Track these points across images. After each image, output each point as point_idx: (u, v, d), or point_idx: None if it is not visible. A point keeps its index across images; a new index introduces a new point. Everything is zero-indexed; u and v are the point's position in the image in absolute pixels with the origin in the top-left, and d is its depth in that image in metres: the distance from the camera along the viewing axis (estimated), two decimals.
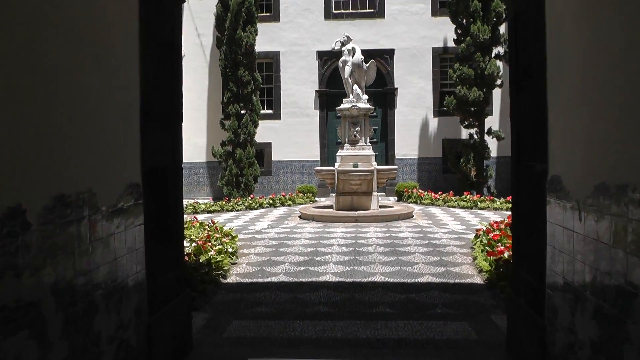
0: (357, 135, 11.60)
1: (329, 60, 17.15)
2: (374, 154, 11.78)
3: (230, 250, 7.58)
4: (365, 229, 9.99)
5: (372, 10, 17.46)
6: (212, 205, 13.97)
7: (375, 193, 11.46)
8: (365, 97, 11.91)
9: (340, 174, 11.17)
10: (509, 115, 4.15)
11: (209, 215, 13.10)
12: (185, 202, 16.11)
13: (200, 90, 17.83)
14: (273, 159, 17.62)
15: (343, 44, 12.17)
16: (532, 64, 3.56)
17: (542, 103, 3.32)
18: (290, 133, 17.50)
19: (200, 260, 6.61)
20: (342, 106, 11.82)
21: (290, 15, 17.60)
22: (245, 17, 15.96)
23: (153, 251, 3.53)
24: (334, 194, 11.62)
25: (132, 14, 3.35)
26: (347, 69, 11.92)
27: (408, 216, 11.22)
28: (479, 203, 13.29)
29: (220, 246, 7.54)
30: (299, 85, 17.56)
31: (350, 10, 17.59)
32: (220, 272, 6.61)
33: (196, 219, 10.30)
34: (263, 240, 9.09)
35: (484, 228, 8.44)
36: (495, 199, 13.53)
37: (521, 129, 3.88)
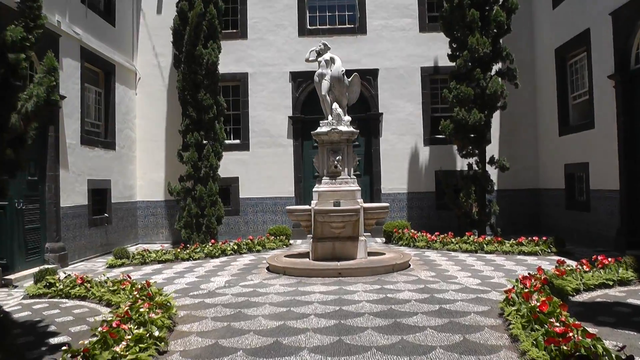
0: (339, 165, 9.31)
1: (304, 82, 15.03)
2: (359, 189, 9.50)
3: (157, 334, 5.17)
4: (351, 286, 7.64)
5: (353, 26, 15.44)
6: (165, 254, 11.50)
7: (362, 238, 9.15)
8: (348, 118, 9.67)
9: (318, 215, 8.85)
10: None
11: (158, 266, 10.66)
12: (134, 249, 13.70)
13: (158, 118, 15.57)
14: (241, 196, 15.29)
15: (319, 53, 9.98)
16: None
17: None
18: (261, 166, 15.23)
19: None
20: (319, 129, 9.56)
21: (260, 31, 15.51)
22: (206, 31, 13.80)
23: None
24: (311, 239, 9.27)
25: None
26: (325, 84, 9.69)
27: (404, 266, 8.91)
28: (485, 246, 11.05)
29: (142, 329, 5.14)
30: (270, 111, 15.36)
31: (328, 26, 15.56)
32: None
33: (129, 277, 7.85)
34: (214, 309, 6.69)
35: (514, 288, 6.17)
36: (504, 240, 11.31)
37: None
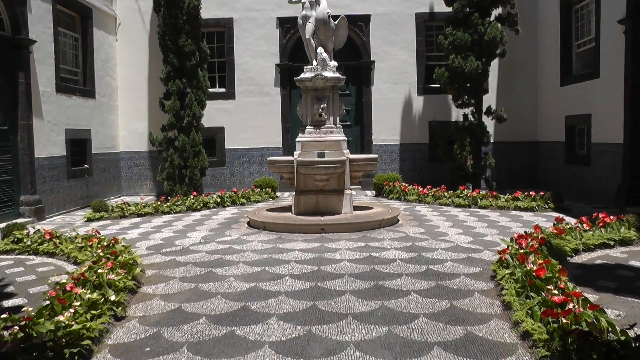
0: (323, 114, 8.66)
1: (292, 28, 14.20)
2: (345, 139, 8.88)
3: (113, 298, 4.67)
4: (334, 244, 7.15)
5: None
6: (145, 207, 10.99)
7: (348, 191, 8.60)
8: (334, 63, 8.95)
9: (300, 167, 8.28)
10: None
11: (137, 220, 10.17)
12: (117, 201, 13.19)
13: (140, 66, 14.80)
14: (227, 146, 14.68)
15: None
16: None
17: None
18: (247, 115, 14.56)
19: (34, 335, 3.71)
20: (302, 75, 8.85)
21: None
22: None
23: None
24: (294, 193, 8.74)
25: None
26: (309, 27, 8.92)
27: (392, 221, 8.41)
28: (479, 200, 10.54)
29: (97, 293, 4.64)
30: (256, 58, 14.59)
31: None
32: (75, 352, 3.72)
33: (98, 233, 7.34)
34: (184, 268, 6.20)
35: (509, 249, 5.67)
36: (499, 194, 10.81)
37: None
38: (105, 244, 6.50)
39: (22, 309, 4.50)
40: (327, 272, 5.74)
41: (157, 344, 3.95)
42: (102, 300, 4.54)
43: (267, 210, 9.27)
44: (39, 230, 7.95)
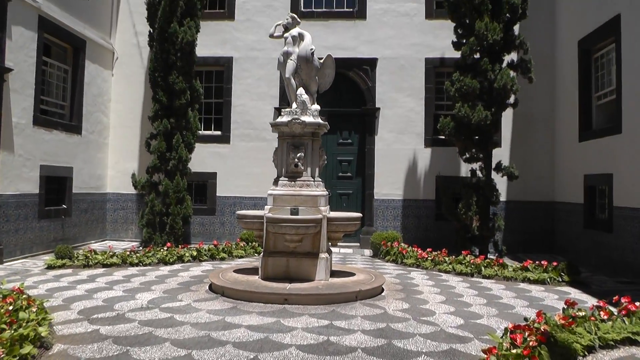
0: (300, 164, 7.56)
1: None
2: (325, 194, 7.73)
3: None
4: (292, 320, 5.92)
5: (351, 10, 13.71)
6: (112, 257, 9.94)
7: (323, 255, 7.39)
8: (316, 107, 7.87)
9: (269, 225, 7.16)
10: None
11: (99, 271, 9.14)
12: (95, 245, 12.19)
13: (134, 103, 14.08)
14: (218, 193, 13.68)
15: (287, 28, 8.21)
16: None
17: None
18: (242, 161, 13.60)
19: None
20: (278, 119, 7.76)
21: (249, 12, 13.87)
22: (184, 7, 12.27)
23: None
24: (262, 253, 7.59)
25: None
26: (290, 65, 7.88)
27: (374, 293, 7.18)
28: (482, 268, 9.26)
29: None
30: (255, 100, 13.72)
31: (324, 9, 13.85)
32: None
33: (21, 291, 6.24)
34: (100, 344, 5.04)
35: (496, 349, 4.43)
36: (506, 262, 9.53)
37: None
38: (10, 308, 5.40)
39: None
40: None
41: None
42: None
43: (234, 271, 8.09)
44: None
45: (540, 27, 12.85)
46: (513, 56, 11.38)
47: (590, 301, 7.02)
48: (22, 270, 9.14)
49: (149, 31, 12.64)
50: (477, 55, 10.69)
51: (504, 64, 10.80)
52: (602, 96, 10.95)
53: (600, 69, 11.06)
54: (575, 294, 7.86)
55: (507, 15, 10.55)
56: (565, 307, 5.98)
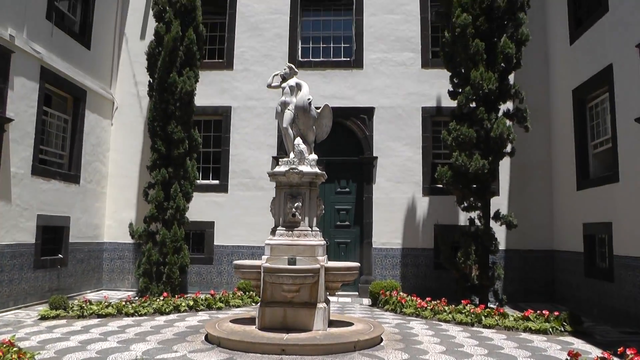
0: (297, 213, 7.56)
1: None
2: (322, 243, 7.69)
3: None
4: None
5: (348, 59, 13.96)
6: (107, 307, 9.80)
7: (321, 305, 7.29)
8: (314, 157, 7.92)
9: (266, 274, 7.09)
10: None
11: (94, 322, 8.99)
12: (90, 295, 11.96)
13: (133, 152, 14.15)
14: (215, 242, 13.60)
15: (284, 78, 8.36)
16: None
17: None
18: (239, 210, 13.57)
19: None
20: (276, 169, 7.80)
21: (247, 62, 14.11)
22: (183, 57, 12.48)
23: None
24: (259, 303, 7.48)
25: None
26: (288, 115, 7.98)
27: (372, 343, 7.04)
28: (483, 318, 9.13)
29: None
30: (252, 149, 13.80)
31: (321, 59, 14.11)
32: None
33: (12, 344, 6.12)
34: None
35: None
36: (507, 311, 9.40)
37: None
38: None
39: None
40: None
41: None
42: None
43: (231, 321, 7.96)
44: None
45: (535, 76, 13.07)
46: (509, 105, 11.55)
47: (595, 352, 6.89)
48: (14, 322, 8.99)
49: (149, 81, 12.80)
50: (473, 104, 10.82)
51: (500, 113, 10.95)
52: (599, 144, 11.05)
53: (595, 118, 11.20)
54: (578, 344, 7.73)
55: (502, 64, 10.74)
56: (569, 358, 5.89)
